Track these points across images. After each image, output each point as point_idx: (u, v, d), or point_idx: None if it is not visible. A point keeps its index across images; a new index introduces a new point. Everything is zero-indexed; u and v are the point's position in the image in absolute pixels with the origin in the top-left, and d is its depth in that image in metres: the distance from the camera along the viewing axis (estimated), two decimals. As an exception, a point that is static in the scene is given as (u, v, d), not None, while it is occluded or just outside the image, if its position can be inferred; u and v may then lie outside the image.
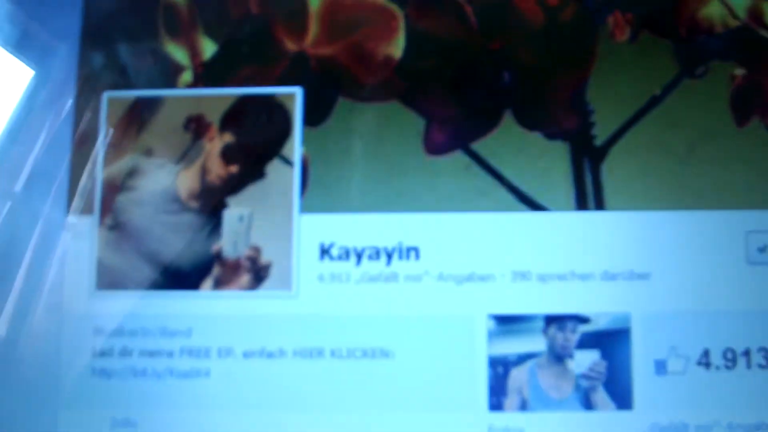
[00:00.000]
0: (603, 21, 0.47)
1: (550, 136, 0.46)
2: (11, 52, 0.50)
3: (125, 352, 0.46)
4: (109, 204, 0.47)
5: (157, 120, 0.48)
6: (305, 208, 0.46)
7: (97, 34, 0.49)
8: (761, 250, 0.44)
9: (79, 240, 0.47)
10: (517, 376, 0.44)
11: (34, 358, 0.46)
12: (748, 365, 0.44)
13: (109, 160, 0.48)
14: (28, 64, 0.50)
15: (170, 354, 0.45)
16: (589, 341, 0.44)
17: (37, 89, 0.50)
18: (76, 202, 0.48)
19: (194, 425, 0.44)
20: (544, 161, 0.46)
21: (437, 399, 0.44)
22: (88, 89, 0.49)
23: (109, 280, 0.46)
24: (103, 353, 0.46)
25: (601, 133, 0.46)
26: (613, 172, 0.46)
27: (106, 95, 0.48)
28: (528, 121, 0.47)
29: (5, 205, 0.48)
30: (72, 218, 0.47)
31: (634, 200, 0.45)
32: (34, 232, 0.47)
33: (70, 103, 0.49)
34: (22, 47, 0.50)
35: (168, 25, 0.49)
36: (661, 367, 0.44)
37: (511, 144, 0.46)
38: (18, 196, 0.48)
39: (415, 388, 0.44)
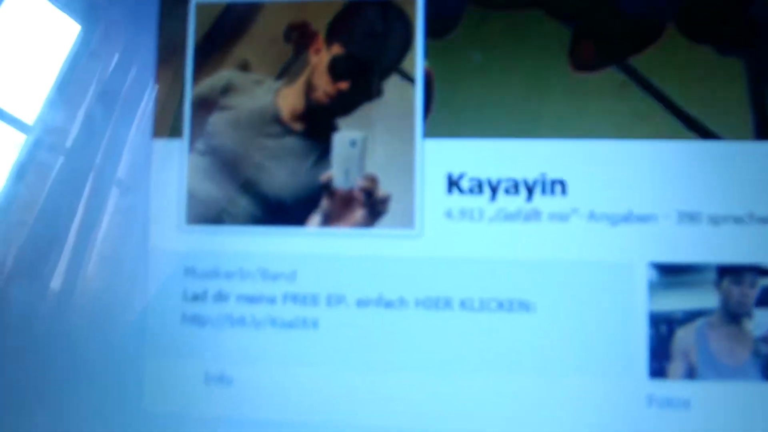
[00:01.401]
0: None
1: (723, 50, 0.38)
2: None
3: (220, 297, 0.40)
4: (200, 126, 0.41)
5: (253, 29, 0.42)
6: (429, 133, 0.39)
7: None
8: None
9: (167, 167, 0.41)
10: (684, 337, 0.37)
11: (119, 301, 0.40)
12: None
13: (199, 75, 0.41)
14: None
15: (272, 300, 0.39)
16: None
17: None
18: (163, 123, 0.41)
19: (299, 384, 0.38)
20: (716, 80, 0.38)
21: (586, 362, 0.37)
22: None
23: (201, 213, 0.40)
24: (196, 297, 0.40)
25: None
26: None
27: (194, 2, 0.41)
28: (696, 33, 0.38)
29: (86, 127, 0.43)
30: (158, 142, 0.41)
31: None
32: (117, 159, 0.42)
33: (154, 10, 0.43)
34: None
35: None
36: None
37: (675, 60, 0.38)
38: (99, 119, 0.43)
39: (560, 349, 0.37)
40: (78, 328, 0.40)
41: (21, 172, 0.42)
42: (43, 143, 0.42)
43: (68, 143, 0.42)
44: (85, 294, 0.40)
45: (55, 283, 0.40)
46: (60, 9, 0.43)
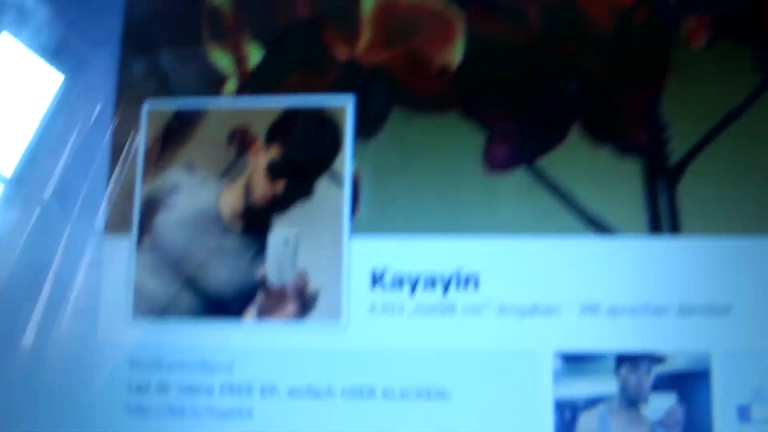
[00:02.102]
0: (678, 25, 0.43)
1: (622, 152, 0.42)
2: (48, 59, 0.48)
3: (163, 388, 0.43)
4: (148, 223, 0.44)
5: (199, 132, 0.45)
6: (356, 230, 0.43)
7: (137, 41, 0.47)
8: None
9: (116, 262, 0.44)
10: (587, 422, 0.40)
11: (65, 390, 0.43)
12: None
13: (148, 174, 0.45)
14: (65, 72, 0.48)
15: (210, 391, 0.42)
16: (665, 383, 0.40)
17: (74, 98, 0.48)
18: (113, 220, 0.45)
19: None
20: (615, 180, 0.42)
21: None
22: (127, 99, 0.46)
23: (146, 307, 0.43)
24: (140, 388, 0.43)
25: (676, 150, 0.42)
26: (689, 192, 0.41)
27: (147, 106, 0.45)
28: (598, 136, 0.42)
29: (38, 221, 0.46)
30: (109, 238, 0.45)
31: (713, 224, 0.41)
32: (67, 252, 0.45)
33: (108, 113, 0.46)
34: (59, 54, 0.48)
35: (212, 30, 0.46)
36: (744, 413, 0.39)
37: (579, 161, 0.42)
38: (51, 212, 0.46)
39: None
40: (24, 415, 0.42)
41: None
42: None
43: (22, 239, 0.45)
44: (34, 383, 0.43)
45: (9, 365, 0.43)
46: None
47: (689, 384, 0.39)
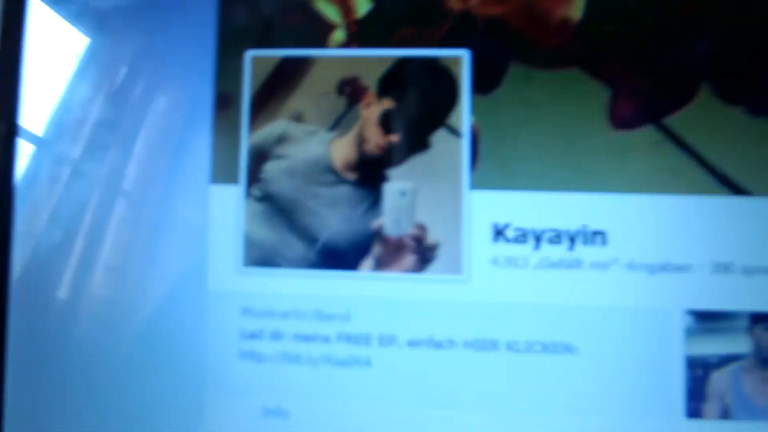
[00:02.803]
0: None
1: (755, 111, 0.42)
2: (147, 8, 0.48)
3: (277, 336, 0.43)
4: (256, 173, 0.45)
5: (307, 82, 0.45)
6: (476, 184, 0.43)
7: None
8: None
9: (224, 212, 0.44)
10: (719, 380, 0.40)
11: (178, 339, 0.43)
12: None
13: (254, 125, 0.45)
14: (165, 22, 0.48)
15: (326, 339, 0.43)
16: None
17: (176, 49, 0.47)
18: (220, 170, 0.45)
19: (353, 419, 0.41)
20: (748, 140, 0.42)
21: (626, 402, 0.40)
22: (229, 48, 0.46)
23: (257, 256, 0.44)
24: (253, 336, 0.43)
25: None
26: None
27: (249, 54, 0.45)
28: (728, 95, 0.42)
29: (147, 173, 0.46)
30: (215, 188, 0.44)
31: None
32: (175, 203, 0.45)
33: (210, 62, 0.46)
34: (157, 3, 0.47)
35: None
36: None
37: (709, 120, 0.42)
38: (158, 164, 0.46)
39: (601, 389, 0.41)
40: (139, 365, 0.43)
41: (82, 217, 0.44)
42: (105, 185, 0.45)
43: (127, 186, 0.45)
44: (146, 332, 0.43)
45: (117, 321, 0.44)
46: (114, 57, 0.46)
47: None
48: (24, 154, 0.45)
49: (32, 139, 0.44)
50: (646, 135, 0.42)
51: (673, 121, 0.42)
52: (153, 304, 0.43)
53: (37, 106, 0.45)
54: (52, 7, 0.45)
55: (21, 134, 0.45)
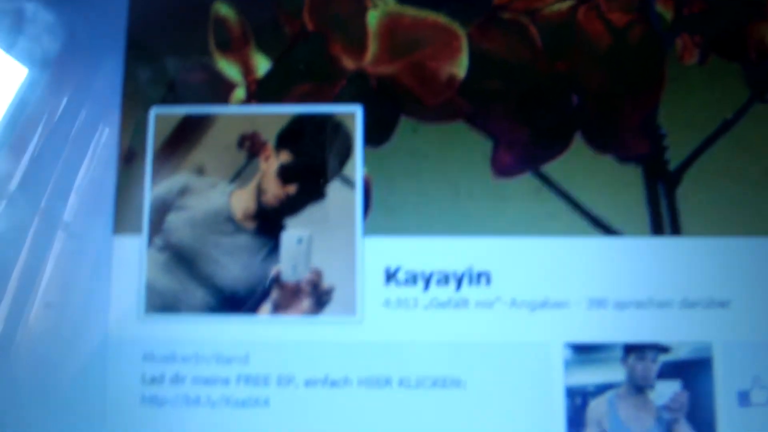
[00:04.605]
0: (671, 43, 0.50)
1: (623, 159, 0.48)
2: (54, 66, 0.51)
3: (178, 380, 0.46)
4: (159, 224, 0.48)
5: (209, 137, 0.49)
6: (368, 231, 0.47)
7: (143, 48, 0.51)
8: None
9: (127, 261, 0.48)
10: (596, 408, 0.45)
11: (79, 384, 0.46)
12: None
13: (157, 178, 0.49)
14: (71, 79, 0.52)
15: (226, 381, 0.46)
16: (669, 371, 0.45)
17: (82, 104, 0.51)
18: (123, 221, 0.48)
19: None
20: (617, 185, 0.48)
21: (512, 431, 0.44)
22: (134, 105, 0.50)
23: (159, 303, 0.47)
24: (154, 380, 0.46)
25: (674, 158, 0.48)
26: (688, 197, 0.47)
27: (154, 111, 0.49)
28: (599, 144, 0.48)
29: (50, 223, 0.49)
30: (119, 238, 0.48)
31: (710, 226, 0.47)
32: (80, 253, 0.48)
33: (116, 118, 0.50)
34: (65, 61, 0.52)
35: (219, 40, 0.50)
36: (744, 398, 0.45)
37: (582, 167, 0.48)
38: (63, 215, 0.49)
39: (489, 420, 0.45)
40: (41, 410, 0.45)
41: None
42: (10, 232, 0.48)
43: (34, 234, 0.48)
44: (48, 378, 0.46)
45: (19, 366, 0.46)
46: (23, 109, 0.50)
47: (692, 371, 0.45)
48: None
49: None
50: (525, 182, 0.47)
51: (549, 168, 0.47)
52: (55, 350, 0.46)
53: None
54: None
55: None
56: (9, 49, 0.51)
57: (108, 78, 0.50)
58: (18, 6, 0.51)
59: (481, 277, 0.46)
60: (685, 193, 0.47)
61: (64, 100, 0.51)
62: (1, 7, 0.51)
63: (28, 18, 0.51)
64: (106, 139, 0.50)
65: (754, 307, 0.45)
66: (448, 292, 0.46)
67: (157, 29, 0.51)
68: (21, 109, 0.51)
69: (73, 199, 0.49)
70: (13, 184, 0.49)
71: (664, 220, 0.47)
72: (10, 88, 0.51)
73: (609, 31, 0.49)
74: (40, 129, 0.50)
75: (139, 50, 0.50)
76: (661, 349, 0.45)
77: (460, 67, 0.49)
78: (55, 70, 0.51)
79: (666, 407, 0.45)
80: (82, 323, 0.47)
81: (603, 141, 0.48)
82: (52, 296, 0.47)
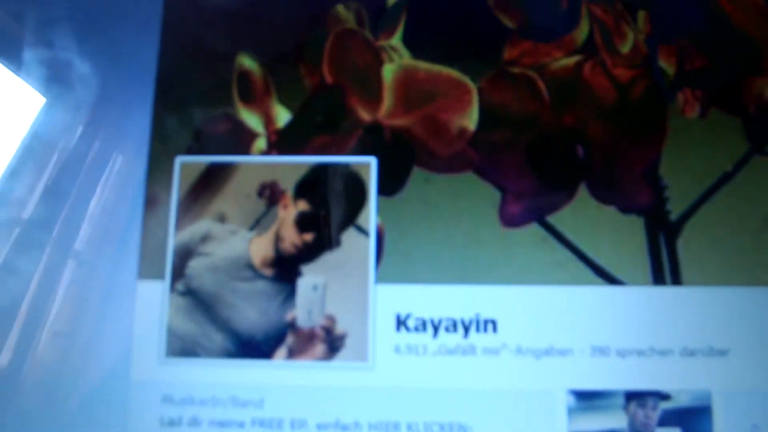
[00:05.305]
0: (673, 98, 0.51)
1: (625, 210, 0.49)
2: (84, 114, 0.53)
3: (195, 422, 0.47)
4: (181, 269, 0.49)
5: (230, 186, 0.51)
6: (381, 278, 0.49)
7: (170, 98, 0.53)
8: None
9: (149, 306, 0.49)
10: None
11: (101, 424, 0.47)
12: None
13: (181, 225, 0.50)
14: (102, 126, 0.54)
15: (241, 425, 0.47)
16: (670, 419, 0.46)
17: (111, 152, 0.53)
18: (147, 266, 0.50)
19: None
20: (620, 235, 0.49)
21: None
22: (160, 153, 0.52)
23: (179, 347, 0.48)
24: (172, 423, 0.47)
25: (675, 208, 0.49)
26: (688, 247, 0.48)
27: (179, 160, 0.51)
28: (603, 195, 0.49)
29: (75, 267, 0.51)
30: (142, 283, 0.49)
31: (710, 275, 0.48)
32: (103, 296, 0.50)
33: (143, 165, 0.51)
34: (95, 110, 0.54)
35: (242, 92, 0.52)
36: None
37: (586, 217, 0.49)
38: (88, 259, 0.51)
39: None
40: None
41: (16, 309, 0.49)
42: (39, 277, 0.50)
43: (61, 280, 0.50)
44: (70, 419, 0.47)
45: (43, 408, 0.47)
46: (51, 155, 0.51)
47: (692, 419, 0.46)
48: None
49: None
50: (531, 232, 0.48)
51: (555, 219, 0.48)
52: (78, 392, 0.47)
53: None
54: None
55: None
56: (44, 95, 0.53)
57: (137, 126, 0.52)
58: (54, 55, 0.53)
59: (488, 325, 0.47)
60: (686, 243, 0.48)
61: (96, 147, 0.53)
62: (37, 57, 0.52)
63: (63, 67, 0.53)
64: (133, 186, 0.51)
65: (753, 355, 0.46)
66: (456, 338, 0.47)
67: (184, 80, 0.53)
68: (54, 153, 0.53)
69: (100, 243, 0.51)
70: (48, 230, 0.50)
71: (665, 270, 0.48)
72: (44, 132, 0.52)
73: (614, 86, 0.50)
74: (71, 174, 0.52)
75: (167, 100, 0.52)
76: (662, 396, 0.46)
77: (471, 120, 0.50)
78: (88, 117, 0.53)
79: (666, 454, 0.43)
80: (105, 365, 0.48)
81: (607, 192, 0.49)
82: (78, 338, 0.49)
